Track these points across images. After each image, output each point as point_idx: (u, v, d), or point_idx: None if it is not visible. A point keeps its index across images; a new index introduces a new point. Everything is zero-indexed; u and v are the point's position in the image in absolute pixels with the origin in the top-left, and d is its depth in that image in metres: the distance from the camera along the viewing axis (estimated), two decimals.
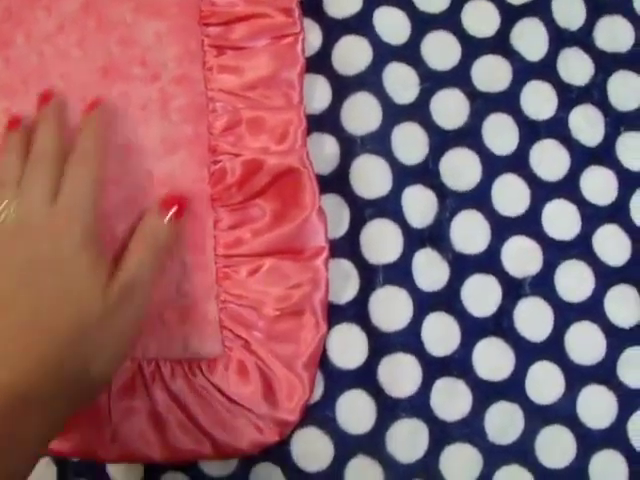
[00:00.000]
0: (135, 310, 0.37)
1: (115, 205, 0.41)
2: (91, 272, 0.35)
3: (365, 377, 0.40)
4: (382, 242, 0.41)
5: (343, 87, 0.42)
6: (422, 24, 0.43)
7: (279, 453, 0.40)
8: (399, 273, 0.41)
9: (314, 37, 0.42)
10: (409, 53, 0.42)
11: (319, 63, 0.42)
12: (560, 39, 0.43)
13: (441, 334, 0.40)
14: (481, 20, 0.43)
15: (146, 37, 0.42)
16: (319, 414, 0.40)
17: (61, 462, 0.40)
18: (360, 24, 0.43)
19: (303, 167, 0.39)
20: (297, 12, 0.41)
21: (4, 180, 0.38)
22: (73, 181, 0.37)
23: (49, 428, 0.33)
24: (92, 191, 0.37)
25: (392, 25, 0.43)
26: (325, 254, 0.39)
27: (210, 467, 0.40)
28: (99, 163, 0.38)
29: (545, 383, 0.40)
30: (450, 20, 0.43)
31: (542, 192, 0.42)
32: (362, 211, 0.41)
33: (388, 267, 0.41)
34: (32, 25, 0.43)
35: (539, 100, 0.42)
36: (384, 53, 0.42)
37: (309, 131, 0.41)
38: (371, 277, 0.40)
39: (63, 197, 0.37)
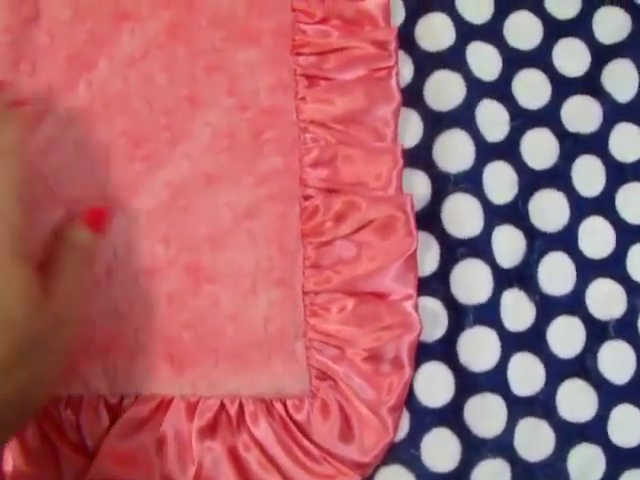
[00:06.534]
0: (71, 328, 0.34)
1: (201, 238, 0.40)
2: (26, 289, 0.32)
3: (451, 416, 0.40)
4: (473, 282, 0.41)
5: (436, 123, 0.42)
6: (513, 61, 0.43)
7: None
8: (489, 313, 0.41)
9: (406, 70, 0.42)
10: (500, 90, 0.42)
11: (411, 97, 0.42)
12: None
13: (526, 374, 0.41)
14: (572, 59, 0.43)
15: (236, 65, 0.41)
16: (404, 452, 0.40)
17: None
18: (453, 59, 0.42)
19: (402, 213, 0.39)
20: (394, 45, 0.41)
21: None
22: None
23: None
24: (14, 185, 0.33)
25: (484, 61, 0.42)
26: (413, 300, 0.39)
27: None
28: (21, 158, 0.34)
29: (628, 426, 0.41)
30: (541, 58, 0.43)
31: (627, 235, 0.42)
32: (454, 250, 0.41)
33: (478, 307, 0.41)
34: (115, 48, 0.41)
35: (627, 142, 0.43)
36: (477, 89, 0.42)
37: None
38: (461, 317, 0.40)
39: None
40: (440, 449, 0.40)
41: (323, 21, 0.42)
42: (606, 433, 0.41)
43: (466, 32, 0.43)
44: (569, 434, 0.41)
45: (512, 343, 0.41)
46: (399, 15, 0.43)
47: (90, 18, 0.42)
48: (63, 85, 0.41)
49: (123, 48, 0.41)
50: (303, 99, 0.41)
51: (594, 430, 0.41)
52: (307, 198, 0.40)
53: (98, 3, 0.42)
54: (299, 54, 0.41)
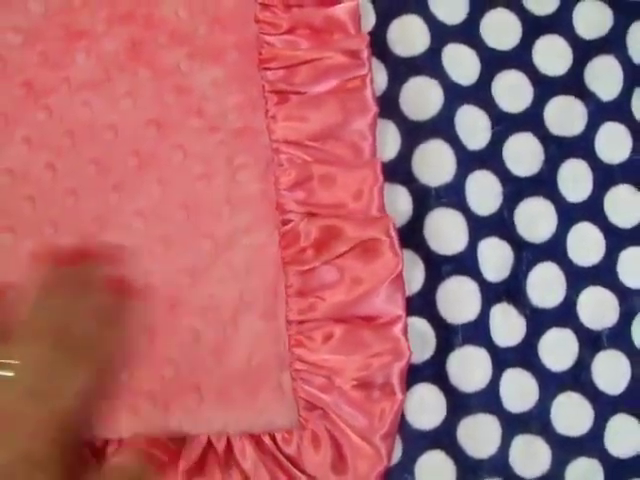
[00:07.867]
0: None
1: (174, 271, 0.38)
2: None
3: (444, 438, 0.39)
4: (460, 300, 0.39)
5: (414, 133, 0.40)
6: (492, 63, 0.41)
7: None
8: (478, 331, 0.39)
9: (380, 77, 0.40)
10: (480, 95, 0.40)
11: (386, 107, 0.39)
12: (634, 76, 0.41)
13: (519, 390, 0.39)
14: (553, 57, 0.41)
15: (202, 85, 0.39)
16: (398, 477, 0.39)
17: None
18: (429, 63, 0.40)
19: (386, 236, 0.37)
20: (366, 53, 0.38)
21: None
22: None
23: None
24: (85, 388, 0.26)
25: (461, 64, 0.40)
26: (402, 323, 0.37)
27: None
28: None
29: (625, 436, 0.40)
30: (521, 58, 0.41)
31: (617, 240, 0.41)
32: (438, 268, 0.39)
33: (467, 326, 0.39)
34: (70, 70, 0.39)
35: (613, 143, 0.41)
36: (455, 95, 0.40)
37: None
38: (449, 337, 0.39)
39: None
40: (435, 473, 0.39)
41: (290, 31, 0.39)
42: (603, 445, 0.40)
43: (441, 34, 0.41)
44: (565, 449, 0.39)
45: (503, 360, 0.39)
46: (369, 19, 0.41)
47: (42, 40, 0.39)
48: (21, 113, 0.39)
49: (80, 70, 0.39)
50: (274, 117, 0.39)
51: (591, 443, 0.40)
52: (285, 223, 0.38)
53: (48, 23, 0.40)
54: (267, 69, 0.39)
